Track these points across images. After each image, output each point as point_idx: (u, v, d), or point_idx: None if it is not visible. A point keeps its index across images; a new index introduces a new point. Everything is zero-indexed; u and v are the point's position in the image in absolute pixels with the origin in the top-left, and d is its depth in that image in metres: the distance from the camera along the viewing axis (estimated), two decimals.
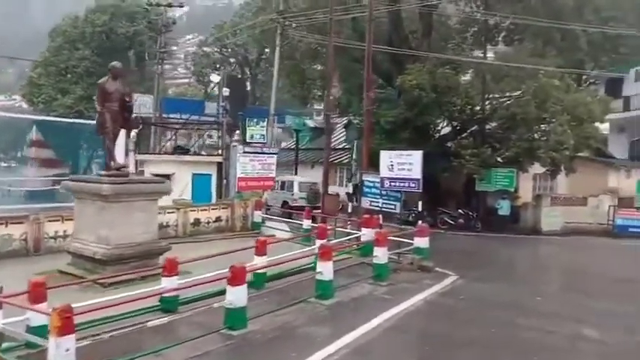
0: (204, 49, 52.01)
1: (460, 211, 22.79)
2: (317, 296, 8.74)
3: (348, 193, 21.42)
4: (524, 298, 9.81)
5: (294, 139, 31.44)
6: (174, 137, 24.35)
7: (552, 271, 13.91)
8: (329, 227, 13.63)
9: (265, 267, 9.28)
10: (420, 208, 18.28)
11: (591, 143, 19.67)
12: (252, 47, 43.27)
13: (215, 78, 26.59)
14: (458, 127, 23.27)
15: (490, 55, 24.12)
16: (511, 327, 8.00)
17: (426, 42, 24.03)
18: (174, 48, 43.92)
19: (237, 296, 7.07)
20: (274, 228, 16.65)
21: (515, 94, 20.77)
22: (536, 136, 19.75)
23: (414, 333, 8.04)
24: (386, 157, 12.84)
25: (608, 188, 24.14)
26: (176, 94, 56.05)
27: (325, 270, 8.87)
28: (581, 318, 8.51)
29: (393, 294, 9.65)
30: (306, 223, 15.24)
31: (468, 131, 23.37)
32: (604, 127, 36.07)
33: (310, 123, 36.69)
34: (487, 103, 21.93)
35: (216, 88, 25.95)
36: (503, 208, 20.71)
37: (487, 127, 22.75)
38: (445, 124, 23.69)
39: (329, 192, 17.08)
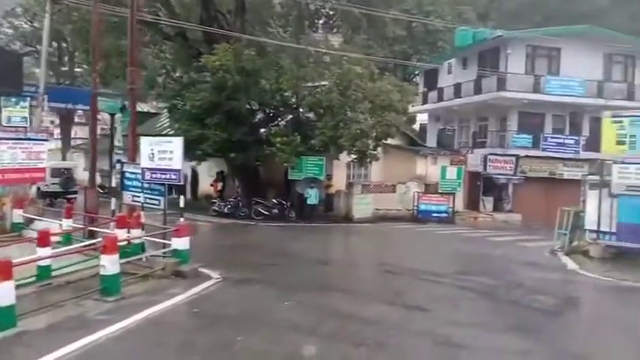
0: None
1: (274, 200, 22.00)
2: None
3: (103, 186, 19.41)
4: (270, 305, 8.77)
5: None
6: None
7: (331, 266, 13.19)
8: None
9: None
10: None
11: (392, 132, 19.89)
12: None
13: None
14: (271, 114, 22.33)
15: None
16: (228, 352, 6.72)
17: (239, 22, 22.62)
18: None
19: None
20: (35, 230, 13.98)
21: (324, 82, 20.32)
22: (342, 124, 19.44)
23: None
24: (146, 144, 11.05)
25: (416, 175, 25.20)
26: None
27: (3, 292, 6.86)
28: (317, 330, 7.61)
29: (111, 313, 7.93)
30: (66, 223, 12.92)
31: (281, 118, 22.62)
32: (423, 118, 38.57)
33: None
34: (300, 90, 21.23)
35: None
36: (312, 196, 20.29)
37: (305, 114, 22.19)
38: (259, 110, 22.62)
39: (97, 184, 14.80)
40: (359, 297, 9.59)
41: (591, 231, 14.56)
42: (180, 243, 10.53)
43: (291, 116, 22.35)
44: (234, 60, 19.39)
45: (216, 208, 22.29)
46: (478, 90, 28.02)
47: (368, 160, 20.91)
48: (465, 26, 31.90)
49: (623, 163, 13.91)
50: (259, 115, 22.22)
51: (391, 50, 37.54)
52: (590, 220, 14.63)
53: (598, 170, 14.62)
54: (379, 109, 19.41)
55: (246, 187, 23.50)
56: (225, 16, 22.82)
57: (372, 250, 16.38)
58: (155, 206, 11.59)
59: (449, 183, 24.51)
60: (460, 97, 29.67)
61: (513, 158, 26.01)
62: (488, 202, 27.08)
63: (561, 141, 26.45)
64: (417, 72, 39.29)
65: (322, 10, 27.50)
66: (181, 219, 11.37)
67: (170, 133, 24.72)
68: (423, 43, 37.24)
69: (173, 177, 11.05)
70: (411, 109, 37.53)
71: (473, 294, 10.02)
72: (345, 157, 22.35)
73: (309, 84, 20.45)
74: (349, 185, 23.17)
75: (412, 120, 40.34)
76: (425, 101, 34.15)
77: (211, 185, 25.35)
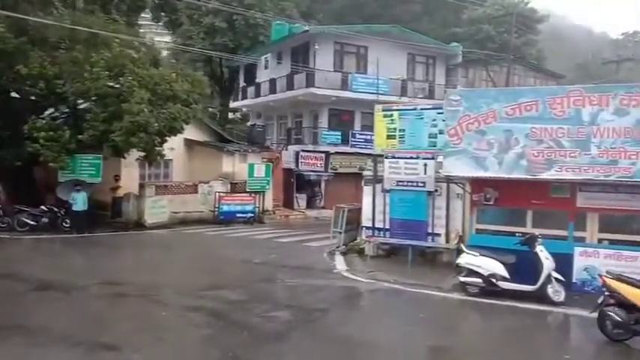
0: None
1: (44, 208, 18.50)
2: None
3: None
4: None
5: None
6: None
7: (48, 290, 10.22)
8: None
9: None
10: None
11: (178, 126, 17.82)
12: None
13: None
14: (37, 105, 18.78)
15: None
16: None
17: None
18: None
19: None
20: None
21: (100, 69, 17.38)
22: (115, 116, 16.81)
23: None
24: None
25: (222, 173, 23.49)
26: None
27: None
28: None
29: None
30: None
31: (54, 110, 19.22)
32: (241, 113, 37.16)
33: None
34: (70, 76, 18.03)
35: None
36: (78, 202, 17.26)
37: (82, 105, 19.03)
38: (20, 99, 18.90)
39: None
40: (48, 338, 7.35)
41: (367, 228, 14.13)
42: None
43: (66, 108, 19.07)
44: None
45: None
46: (291, 86, 27.33)
47: (156, 158, 18.56)
48: (284, 21, 31.21)
49: (393, 157, 13.62)
50: (19, 105, 18.49)
51: (212, 43, 35.61)
52: (365, 217, 14.20)
53: (372, 165, 14.20)
54: (161, 99, 17.20)
55: (14, 193, 19.57)
56: None
57: (129, 263, 14.05)
58: None
59: (257, 181, 23.21)
60: (275, 93, 28.75)
61: (323, 155, 25.69)
62: (302, 200, 26.51)
63: (369, 137, 26.75)
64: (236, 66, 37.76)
65: None
66: None
67: None
68: (245, 37, 35.76)
69: None
70: (232, 103, 36.41)
71: (201, 317, 8.43)
72: (135, 155, 19.69)
73: (81, 69, 17.37)
74: (140, 187, 20.56)
75: (214, 115, 38.95)
76: (244, 97, 32.72)
77: None
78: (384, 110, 13.96)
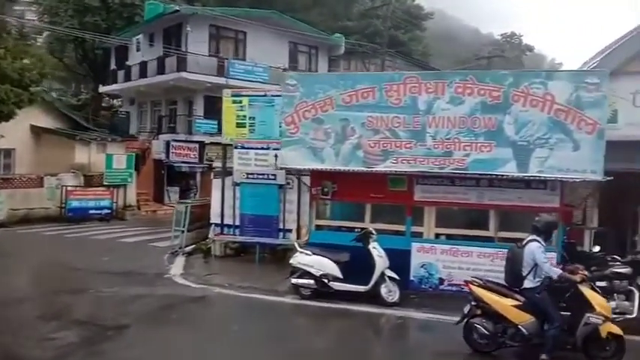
0: None
1: None
2: None
3: None
4: None
5: None
6: None
7: None
8: None
9: None
10: None
11: (4, 110, 15.34)
12: None
13: None
14: None
15: None
16: None
17: None
18: None
19: None
20: None
21: None
22: None
23: None
24: None
25: (74, 164, 21.02)
26: None
27: None
28: None
29: None
30: None
31: None
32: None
33: None
34: None
35: None
36: None
37: None
38: None
39: None
40: None
41: (216, 225, 12.89)
42: None
43: None
44: None
45: None
46: (162, 70, 25.18)
47: None
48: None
49: (242, 147, 12.47)
50: None
51: (81, 22, 32.16)
52: (214, 213, 12.94)
53: (221, 156, 12.97)
54: None
55: None
56: None
57: None
58: None
59: (117, 174, 21.06)
60: (146, 77, 26.41)
61: (197, 145, 24.00)
62: (173, 193, 24.63)
63: None
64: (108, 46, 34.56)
65: None
66: None
67: None
68: (120, 17, 32.71)
69: None
70: (101, 88, 33.22)
71: None
72: None
73: None
74: None
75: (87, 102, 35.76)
76: (115, 81, 29.88)
77: None
78: (233, 95, 12.76)
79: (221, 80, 24.37)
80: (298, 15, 32.54)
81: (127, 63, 28.99)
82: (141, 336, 7.41)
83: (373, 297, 8.89)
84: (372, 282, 8.84)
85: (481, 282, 6.92)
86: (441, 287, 9.54)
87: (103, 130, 24.33)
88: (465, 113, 9.03)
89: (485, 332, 6.62)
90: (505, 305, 6.59)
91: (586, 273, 6.72)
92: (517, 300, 6.60)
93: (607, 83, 8.75)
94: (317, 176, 10.12)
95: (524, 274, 6.56)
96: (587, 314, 6.30)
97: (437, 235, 9.70)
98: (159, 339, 7.31)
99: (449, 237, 9.68)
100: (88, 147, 21.48)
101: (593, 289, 6.60)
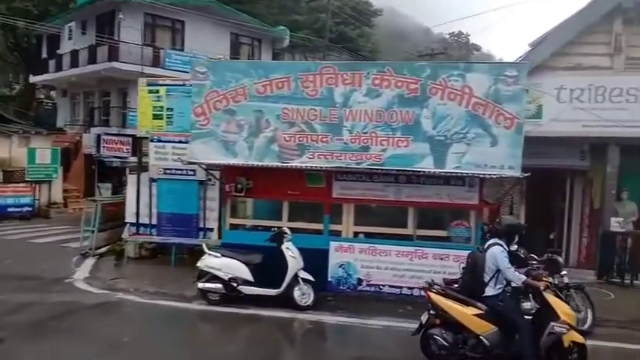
0: None
1: None
2: None
3: None
4: None
5: None
6: None
7: None
8: None
9: None
10: None
11: None
12: None
13: None
14: None
15: None
16: None
17: None
18: None
19: None
20: None
21: None
22: None
23: None
24: None
25: None
26: None
27: None
28: None
29: None
30: None
31: None
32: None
33: None
34: None
35: None
36: None
37: None
38: None
39: None
40: None
41: (132, 224, 12.03)
42: None
43: None
44: None
45: None
46: (93, 59, 23.83)
47: None
48: None
49: (159, 141, 11.68)
50: None
51: (9, 7, 30.09)
52: (129, 212, 12.08)
53: (137, 150, 12.12)
54: None
55: None
56: None
57: None
58: None
59: (40, 169, 19.69)
60: (77, 67, 24.93)
61: (130, 139, 22.78)
62: (105, 190, 23.25)
63: None
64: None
65: None
66: None
67: None
68: (52, 3, 30.87)
69: None
70: (32, 78, 31.30)
71: None
72: None
73: None
74: None
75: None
76: (45, 71, 28.12)
77: None
78: (149, 85, 11.91)
79: (156, 71, 23.25)
80: (246, 7, 31.62)
81: (58, 52, 27.34)
82: (15, 350, 6.56)
83: (286, 301, 8.35)
84: (284, 285, 8.31)
85: (440, 289, 6.34)
86: (360, 288, 9.12)
87: (28, 122, 22.74)
88: (382, 106, 8.61)
89: (445, 343, 6.03)
90: (466, 314, 6.02)
91: (550, 279, 6.35)
92: (478, 308, 6.05)
93: (526, 76, 8.52)
94: (230, 172, 9.48)
95: (485, 281, 6.08)
96: (552, 323, 5.83)
97: (355, 234, 9.26)
98: (35, 354, 6.49)
99: (367, 235, 9.26)
100: (9, 140, 19.95)
101: (557, 295, 6.23)
